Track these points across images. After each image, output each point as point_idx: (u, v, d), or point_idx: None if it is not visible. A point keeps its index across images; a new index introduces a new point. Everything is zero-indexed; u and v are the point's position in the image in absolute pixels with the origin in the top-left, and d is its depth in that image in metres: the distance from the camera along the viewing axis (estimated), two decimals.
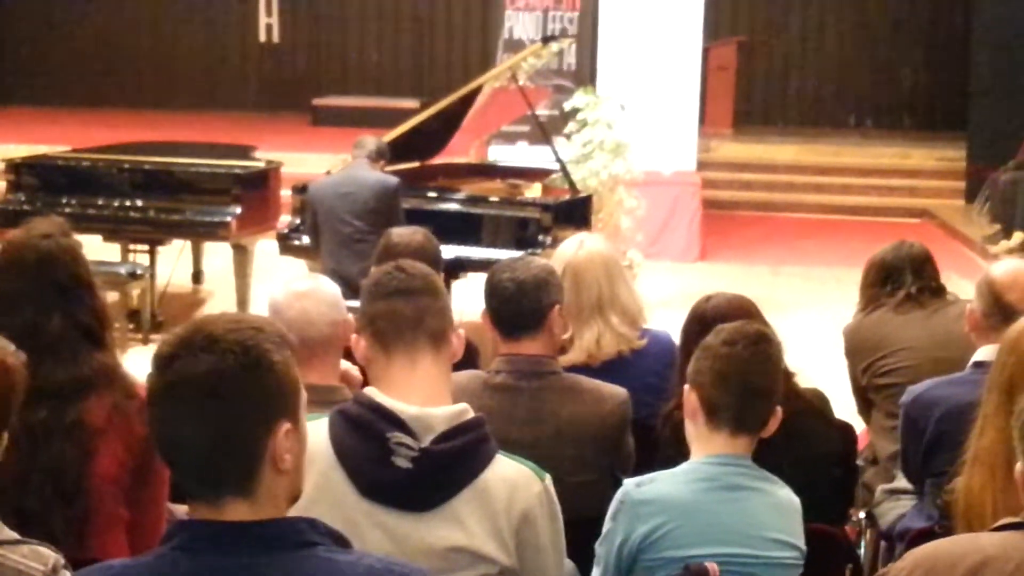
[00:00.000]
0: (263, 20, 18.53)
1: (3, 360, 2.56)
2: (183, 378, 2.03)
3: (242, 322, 2.11)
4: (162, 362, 2.06)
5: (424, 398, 2.67)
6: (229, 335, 2.06)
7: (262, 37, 18.60)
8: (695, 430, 3.13)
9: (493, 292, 3.65)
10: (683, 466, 3.14)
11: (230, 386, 2.03)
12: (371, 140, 7.97)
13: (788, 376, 3.87)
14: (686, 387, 3.14)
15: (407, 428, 2.62)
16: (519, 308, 3.61)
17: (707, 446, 3.11)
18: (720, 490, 3.08)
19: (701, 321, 3.75)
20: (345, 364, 3.52)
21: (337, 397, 3.20)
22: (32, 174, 9.12)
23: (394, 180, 7.76)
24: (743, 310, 3.84)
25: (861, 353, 4.91)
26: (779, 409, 3.17)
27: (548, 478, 2.78)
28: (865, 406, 4.96)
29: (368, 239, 7.04)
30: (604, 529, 3.14)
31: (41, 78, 18.73)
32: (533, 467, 2.77)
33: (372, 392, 2.69)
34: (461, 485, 2.66)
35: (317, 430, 2.66)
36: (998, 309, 3.95)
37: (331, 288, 3.54)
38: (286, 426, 2.08)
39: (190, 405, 2.03)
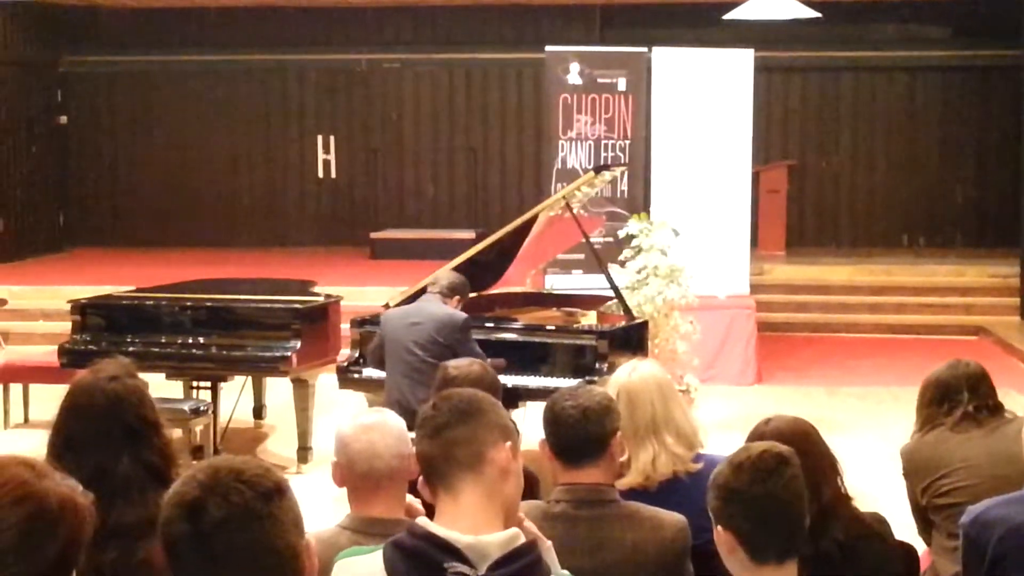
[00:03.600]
0: (321, 156, 18.87)
1: (73, 500, 2.60)
2: (223, 519, 2.07)
3: (247, 459, 2.18)
4: (191, 509, 2.09)
5: (472, 526, 2.67)
6: (248, 469, 2.13)
7: (320, 173, 18.94)
8: (738, 563, 3.02)
9: (556, 420, 3.69)
10: None
11: (273, 514, 2.10)
12: (446, 277, 7.96)
13: (846, 500, 3.88)
14: (719, 528, 3.02)
15: (463, 556, 2.62)
16: (584, 435, 3.66)
17: None
18: None
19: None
20: (409, 498, 3.53)
21: (401, 530, 3.20)
22: (97, 314, 9.27)
23: (461, 316, 7.70)
24: (802, 433, 3.85)
25: (920, 473, 4.90)
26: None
27: None
28: (925, 526, 4.94)
29: (428, 370, 7.07)
30: None
31: (105, 220, 19.15)
32: None
33: (424, 522, 2.71)
34: None
35: (372, 564, 2.70)
36: None
37: (397, 422, 3.58)
38: (305, 541, 2.16)
39: (239, 543, 2.08)
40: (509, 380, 7.71)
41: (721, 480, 3.03)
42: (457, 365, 4.84)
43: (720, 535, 3.02)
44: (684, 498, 4.04)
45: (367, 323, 8.60)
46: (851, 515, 3.84)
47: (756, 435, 3.88)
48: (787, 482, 3.00)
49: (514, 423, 2.88)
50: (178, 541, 2.11)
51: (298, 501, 2.19)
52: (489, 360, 7.88)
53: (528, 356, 8.20)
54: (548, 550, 2.91)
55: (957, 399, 4.94)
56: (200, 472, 2.13)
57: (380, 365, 7.86)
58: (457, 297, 7.89)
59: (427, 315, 7.66)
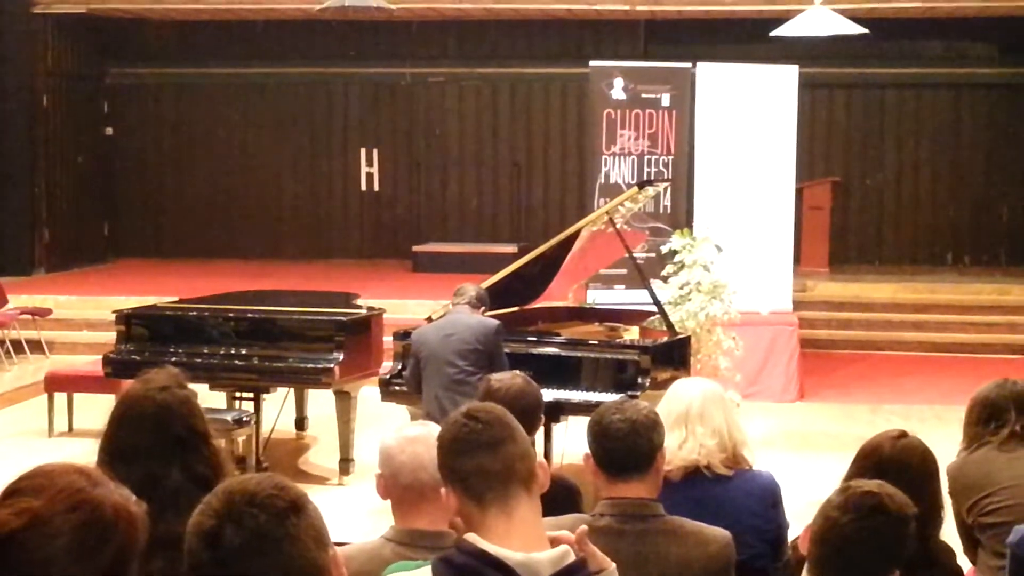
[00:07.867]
0: (364, 170, 18.94)
1: (127, 508, 2.61)
2: (240, 546, 2.10)
3: (263, 478, 2.20)
4: (208, 538, 2.12)
5: (524, 543, 2.63)
6: (261, 491, 2.14)
7: (363, 186, 19.00)
8: (808, 572, 3.08)
9: (604, 433, 3.67)
10: None
11: (291, 533, 2.12)
12: (472, 288, 8.05)
13: (935, 539, 3.83)
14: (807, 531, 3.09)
15: (514, 574, 2.59)
16: (631, 448, 3.64)
17: None
18: None
19: (876, 460, 3.84)
20: None
21: (446, 543, 3.18)
22: (141, 325, 9.34)
23: (494, 322, 7.83)
24: (925, 466, 3.81)
25: (966, 492, 4.87)
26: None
27: None
28: (971, 545, 4.91)
29: (471, 380, 7.16)
30: None
31: (150, 231, 19.28)
32: None
33: (475, 539, 2.65)
34: None
35: None
36: None
37: None
38: (331, 554, 2.17)
39: (259, 567, 2.10)
40: (551, 394, 7.71)
41: (832, 494, 3.06)
42: (500, 379, 4.83)
43: (803, 538, 3.10)
44: (708, 499, 4.07)
45: (410, 336, 8.62)
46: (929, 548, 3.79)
47: (875, 447, 3.83)
48: (873, 531, 2.97)
49: None
50: (200, 569, 2.14)
51: (321, 514, 2.19)
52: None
53: (570, 370, 8.21)
54: (611, 573, 2.87)
55: (1004, 418, 4.91)
56: (215, 499, 2.16)
57: (420, 389, 7.87)
58: (483, 308, 7.98)
59: (463, 325, 7.72)
